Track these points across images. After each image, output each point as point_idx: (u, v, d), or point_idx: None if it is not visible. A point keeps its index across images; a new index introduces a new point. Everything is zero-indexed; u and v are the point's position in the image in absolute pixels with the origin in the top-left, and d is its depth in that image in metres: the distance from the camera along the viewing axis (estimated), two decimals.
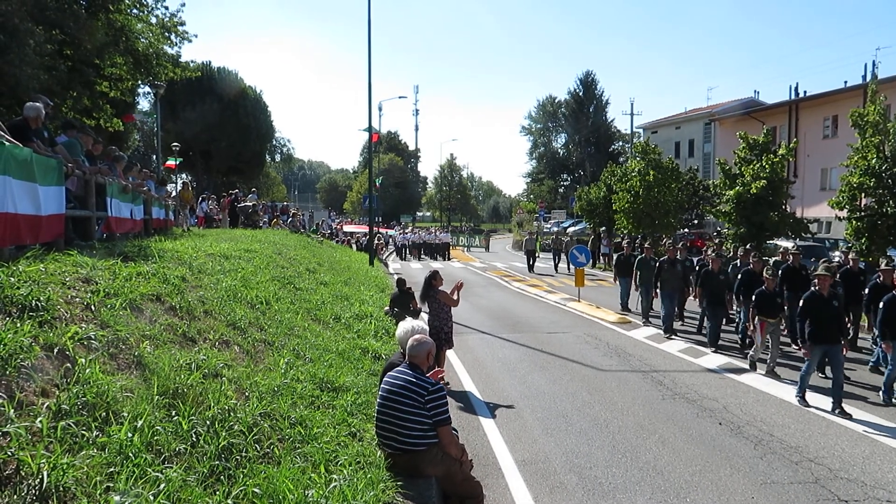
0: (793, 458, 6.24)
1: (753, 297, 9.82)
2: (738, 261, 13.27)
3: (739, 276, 11.43)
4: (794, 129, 36.33)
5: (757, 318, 9.70)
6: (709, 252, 14.91)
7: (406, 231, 44.72)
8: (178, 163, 23.34)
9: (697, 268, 13.44)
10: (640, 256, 14.78)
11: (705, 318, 12.37)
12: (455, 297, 9.19)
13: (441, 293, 9.13)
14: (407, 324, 5.54)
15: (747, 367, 10.06)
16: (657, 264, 13.40)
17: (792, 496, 5.42)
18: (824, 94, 35.46)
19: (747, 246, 16.27)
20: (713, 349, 11.25)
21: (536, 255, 28.55)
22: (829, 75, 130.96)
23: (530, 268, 27.60)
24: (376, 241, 29.91)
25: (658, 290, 13.25)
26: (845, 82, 34.97)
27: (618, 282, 16.31)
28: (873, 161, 15.67)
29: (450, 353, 9.92)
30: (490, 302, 18.04)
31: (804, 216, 23.89)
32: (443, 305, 9.10)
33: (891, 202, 15.54)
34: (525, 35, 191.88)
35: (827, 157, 32.65)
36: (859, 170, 15.98)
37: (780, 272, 11.31)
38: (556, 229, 46.96)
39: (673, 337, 12.47)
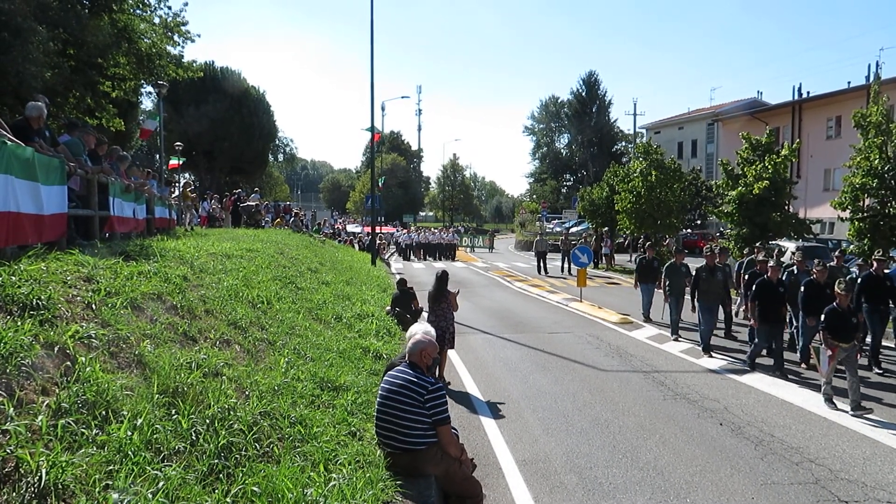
0: (793, 459, 6.23)
1: (822, 317, 8.16)
2: (795, 268, 11.52)
3: (803, 289, 9.84)
4: (797, 130, 36.29)
5: (827, 341, 8.00)
6: (762, 257, 12.69)
7: (410, 230, 44.65)
8: (181, 162, 23.14)
9: (747, 276, 11.67)
10: (668, 262, 13.23)
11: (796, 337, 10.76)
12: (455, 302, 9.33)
13: (450, 294, 9.21)
14: (418, 326, 5.55)
15: (761, 374, 9.80)
16: (695, 272, 11.72)
17: (792, 497, 5.41)
18: (827, 94, 35.43)
19: (795, 247, 14.38)
20: (777, 372, 9.56)
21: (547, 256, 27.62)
22: (833, 76, 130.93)
23: (541, 269, 26.60)
24: (378, 241, 29.89)
25: (696, 303, 11.50)
26: (848, 83, 34.98)
27: (639, 288, 14.90)
28: (876, 162, 15.63)
29: (451, 353, 9.93)
30: (492, 302, 18.04)
31: (807, 217, 23.85)
32: (449, 306, 9.17)
33: (893, 203, 15.50)
34: (528, 35, 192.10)
35: (830, 158, 32.60)
36: (862, 170, 15.93)
37: (858, 282, 9.98)
38: (558, 229, 46.93)
39: (714, 355, 10.89)
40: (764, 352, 10.29)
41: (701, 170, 44.10)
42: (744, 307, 12.92)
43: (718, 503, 5.34)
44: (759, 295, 10.01)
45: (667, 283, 12.79)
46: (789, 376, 9.47)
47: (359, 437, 5.12)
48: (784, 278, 10.82)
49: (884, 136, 15.76)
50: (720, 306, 11.97)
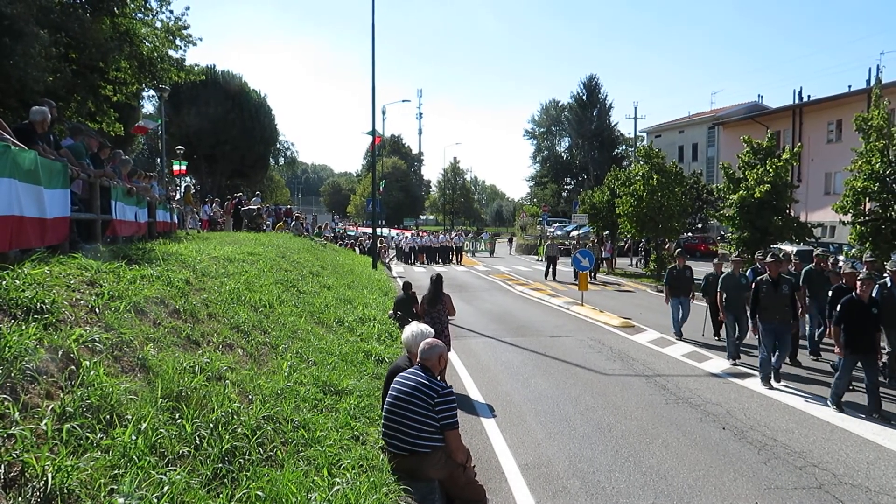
0: (797, 464, 6.22)
1: None
2: (889, 279, 9.21)
3: None
4: (798, 134, 36.29)
5: None
6: (845, 268, 10.33)
7: (412, 234, 44.54)
8: (185, 167, 22.91)
9: (831, 293, 9.19)
10: (725, 273, 11.31)
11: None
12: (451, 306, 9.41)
13: (446, 296, 9.21)
14: (414, 327, 5.55)
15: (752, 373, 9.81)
16: (754, 286, 9.69)
17: (796, 501, 5.40)
18: (828, 98, 35.45)
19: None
20: (875, 415, 7.70)
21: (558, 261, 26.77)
22: (834, 79, 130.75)
23: (551, 275, 25.81)
24: (379, 245, 29.88)
25: (756, 322, 9.54)
26: (849, 86, 34.97)
27: (669, 302, 13.14)
28: (877, 165, 15.64)
29: (452, 356, 9.93)
30: (493, 305, 18.03)
31: (808, 220, 23.88)
32: (444, 308, 9.17)
33: (895, 207, 15.50)
34: (528, 38, 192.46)
35: (831, 162, 32.62)
36: (863, 174, 15.95)
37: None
38: (559, 233, 46.83)
39: (779, 386, 9.18)
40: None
41: (702, 173, 44.09)
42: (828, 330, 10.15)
43: None
44: (845, 317, 8.04)
45: (723, 296, 10.99)
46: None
47: (362, 441, 5.12)
48: (875, 294, 8.67)
49: (885, 139, 15.78)
50: (789, 326, 9.65)
